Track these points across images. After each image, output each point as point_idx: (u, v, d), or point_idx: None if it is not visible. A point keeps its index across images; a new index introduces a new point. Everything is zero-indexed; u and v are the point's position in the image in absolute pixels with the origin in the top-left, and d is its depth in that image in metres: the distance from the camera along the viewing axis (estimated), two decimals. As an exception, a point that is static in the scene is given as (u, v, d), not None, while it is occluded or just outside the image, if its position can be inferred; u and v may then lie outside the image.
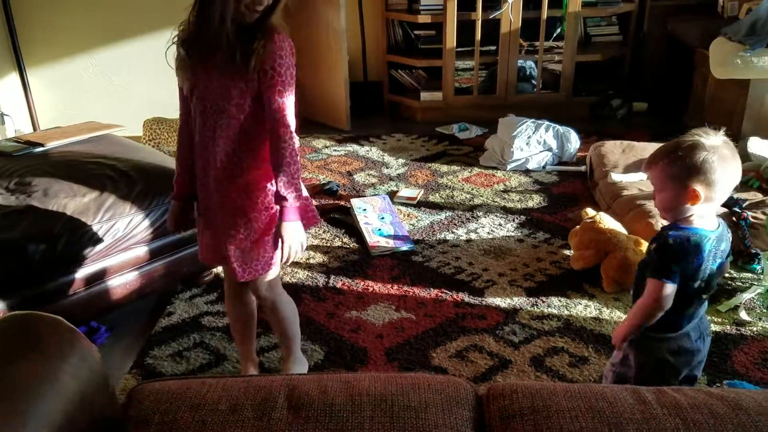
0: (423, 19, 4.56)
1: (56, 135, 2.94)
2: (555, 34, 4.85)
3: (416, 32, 4.85)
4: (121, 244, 2.35)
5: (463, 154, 4.13)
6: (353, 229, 3.17)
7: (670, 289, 1.51)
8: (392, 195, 3.50)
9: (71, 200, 2.31)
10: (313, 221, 1.97)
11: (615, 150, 3.45)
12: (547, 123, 3.89)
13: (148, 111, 4.08)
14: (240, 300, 2.07)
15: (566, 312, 2.49)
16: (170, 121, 3.92)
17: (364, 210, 3.27)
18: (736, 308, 2.45)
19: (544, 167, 3.84)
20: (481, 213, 3.32)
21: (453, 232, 3.13)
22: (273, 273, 1.89)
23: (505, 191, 3.57)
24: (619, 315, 2.44)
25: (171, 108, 3.56)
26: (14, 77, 4.23)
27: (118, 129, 3.09)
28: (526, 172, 3.80)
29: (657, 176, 1.53)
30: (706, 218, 1.52)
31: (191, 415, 1.16)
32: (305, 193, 1.98)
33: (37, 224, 2.20)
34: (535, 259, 2.87)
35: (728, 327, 2.36)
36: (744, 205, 2.82)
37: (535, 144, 3.82)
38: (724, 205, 2.78)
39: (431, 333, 2.39)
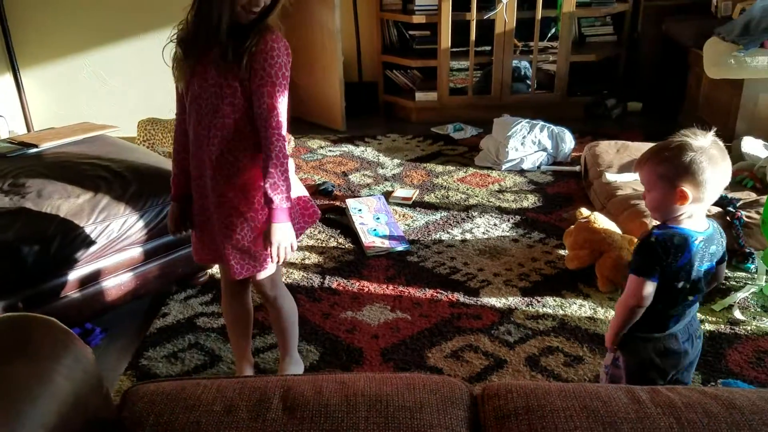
0: (418, 19, 4.56)
1: (50, 136, 2.93)
2: (549, 35, 4.86)
3: (411, 32, 4.86)
4: (115, 245, 2.34)
5: (458, 155, 4.14)
6: (348, 230, 3.17)
7: (650, 286, 1.52)
8: (387, 195, 3.51)
9: (65, 201, 2.30)
10: (312, 218, 1.97)
11: (609, 150, 3.46)
12: (541, 123, 3.90)
13: (142, 112, 4.07)
14: (237, 299, 2.07)
15: (561, 312, 2.49)
16: (165, 122, 3.92)
17: (360, 210, 3.27)
18: (730, 307, 2.46)
19: (538, 167, 3.84)
20: (476, 213, 3.32)
21: (448, 232, 3.13)
22: (272, 269, 1.89)
23: (500, 191, 3.57)
24: (613, 315, 2.44)
25: (165, 109, 3.57)
26: (8, 78, 4.22)
27: (112, 130, 3.09)
28: (521, 172, 3.81)
29: (646, 176, 1.55)
30: (695, 218, 1.53)
31: (186, 416, 1.16)
32: (305, 192, 1.98)
33: (30, 226, 2.19)
34: (530, 258, 2.87)
35: (722, 326, 2.37)
36: (738, 205, 2.83)
37: (529, 144, 3.82)
38: (718, 205, 2.81)
39: (426, 333, 2.39)
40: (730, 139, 3.50)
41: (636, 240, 2.61)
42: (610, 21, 4.91)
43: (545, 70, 4.83)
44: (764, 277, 2.57)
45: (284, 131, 1.70)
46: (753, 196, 2.97)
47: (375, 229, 3.10)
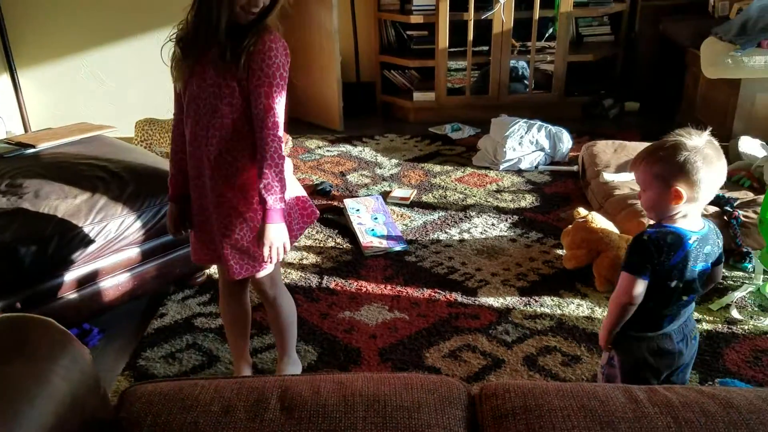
0: (415, 19, 4.56)
1: (47, 136, 2.93)
2: (547, 35, 4.86)
3: (408, 32, 4.86)
4: (112, 245, 2.34)
5: (455, 154, 4.14)
6: (346, 230, 3.17)
7: (640, 284, 1.52)
8: (385, 195, 3.51)
9: (62, 202, 2.30)
10: (311, 218, 1.97)
11: (607, 150, 3.46)
12: (539, 123, 3.90)
13: (139, 112, 4.06)
14: (235, 300, 2.07)
15: (559, 311, 2.49)
16: (162, 122, 3.91)
17: (357, 210, 3.27)
18: (727, 307, 2.46)
19: (536, 167, 3.85)
20: (473, 213, 3.32)
21: (446, 232, 3.13)
22: (271, 267, 1.89)
23: (497, 191, 3.57)
24: (606, 312, 2.45)
25: (163, 109, 3.57)
26: (5, 78, 4.22)
27: (109, 130, 3.08)
28: (519, 172, 3.81)
29: (641, 176, 1.55)
30: (690, 218, 1.53)
31: (184, 417, 1.16)
32: (303, 192, 1.98)
33: (28, 226, 2.19)
34: (528, 258, 2.88)
35: (720, 325, 2.37)
36: (735, 204, 2.83)
37: (527, 144, 3.83)
38: (715, 204, 2.82)
39: (424, 333, 2.39)
40: (727, 138, 3.51)
41: (633, 239, 2.62)
42: (608, 21, 4.91)
43: (543, 70, 4.83)
44: (761, 276, 2.58)
45: (281, 132, 1.70)
46: (750, 195, 2.97)
47: (373, 229, 3.10)
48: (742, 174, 3.12)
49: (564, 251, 2.83)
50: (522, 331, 2.38)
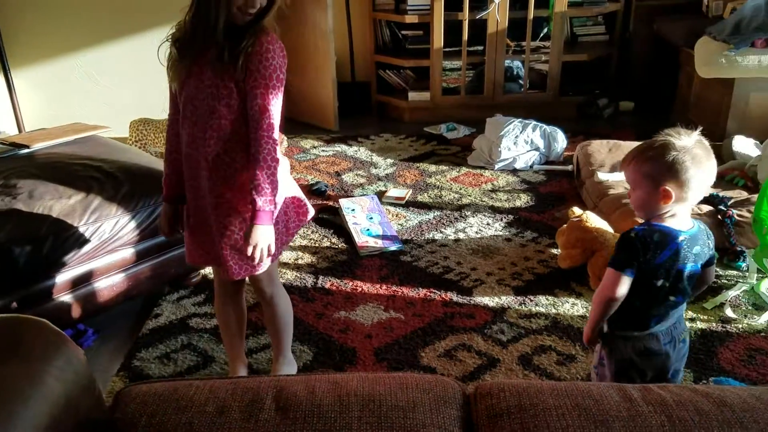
0: (410, 19, 4.57)
1: (41, 136, 2.92)
2: (542, 34, 4.87)
3: (403, 32, 4.86)
4: (107, 245, 2.33)
5: (451, 154, 4.14)
6: (342, 230, 3.17)
7: (624, 280, 1.53)
8: (381, 195, 3.51)
9: (57, 202, 2.30)
10: (306, 216, 1.96)
11: (601, 149, 3.47)
12: (534, 122, 3.91)
13: (134, 112, 4.06)
14: (232, 300, 2.06)
15: (554, 310, 2.50)
16: (157, 122, 3.91)
17: (353, 210, 3.27)
18: (721, 305, 2.47)
19: (531, 167, 3.85)
20: (469, 212, 3.32)
21: (441, 232, 3.14)
22: (267, 263, 1.89)
23: (492, 191, 3.58)
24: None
25: (157, 109, 3.56)
26: (-1, 78, 4.21)
27: (104, 130, 3.07)
28: (514, 171, 3.82)
29: (631, 175, 1.56)
30: (678, 217, 1.53)
31: (178, 417, 1.16)
32: (299, 191, 1.97)
33: (22, 226, 2.18)
34: (523, 258, 2.88)
35: (714, 324, 2.38)
36: (729, 203, 2.84)
37: (522, 143, 3.83)
38: (709, 203, 2.83)
39: (420, 332, 2.39)
40: (721, 138, 3.52)
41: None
42: (602, 21, 4.92)
43: (537, 69, 4.84)
44: (755, 275, 2.59)
45: (276, 134, 1.70)
46: (744, 194, 2.98)
47: (368, 229, 3.10)
48: (735, 173, 3.13)
49: (559, 250, 2.83)
50: (517, 331, 2.39)
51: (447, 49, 4.58)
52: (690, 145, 1.47)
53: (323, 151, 4.26)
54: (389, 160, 4.05)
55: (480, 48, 4.64)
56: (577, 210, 2.83)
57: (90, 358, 2.30)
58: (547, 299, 2.57)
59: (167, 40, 1.74)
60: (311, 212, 2.00)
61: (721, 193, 2.92)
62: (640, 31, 4.71)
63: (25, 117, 4.32)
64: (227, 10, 1.61)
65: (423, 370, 2.21)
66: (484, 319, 2.46)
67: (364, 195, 3.51)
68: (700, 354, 2.22)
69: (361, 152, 4.20)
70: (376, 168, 3.95)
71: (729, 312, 2.43)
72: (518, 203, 3.41)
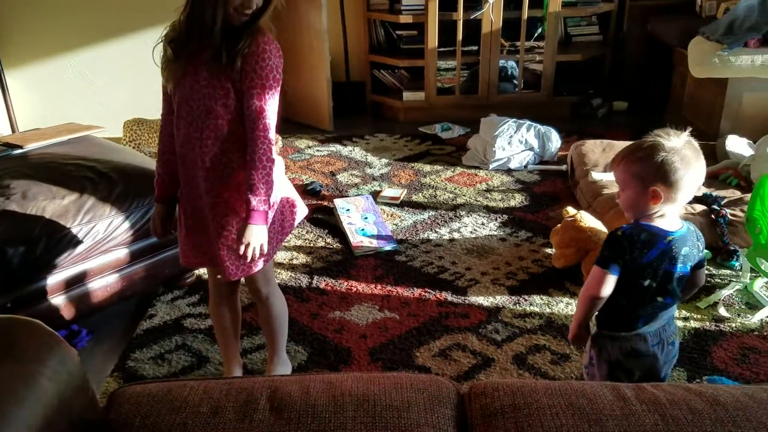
0: (405, 19, 4.57)
1: (35, 137, 2.91)
2: (536, 34, 4.88)
3: (398, 32, 4.86)
4: (101, 246, 2.33)
5: (445, 154, 4.15)
6: (336, 230, 3.17)
7: (609, 278, 1.53)
8: (375, 195, 3.51)
9: (50, 202, 2.29)
10: (297, 217, 1.96)
11: (595, 149, 3.48)
12: (528, 122, 3.91)
13: (128, 112, 4.05)
14: (227, 301, 2.06)
15: (548, 310, 2.50)
16: (151, 122, 3.90)
17: (348, 210, 3.27)
18: (715, 305, 2.48)
19: (525, 166, 3.86)
20: (463, 212, 3.33)
21: (436, 232, 3.14)
22: (261, 263, 1.89)
23: (487, 190, 3.58)
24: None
25: (151, 109, 3.55)
26: (-8, 78, 4.19)
27: (98, 130, 3.07)
28: (508, 171, 3.82)
29: (620, 176, 1.56)
30: (667, 217, 1.54)
31: (172, 418, 1.16)
32: (293, 191, 1.97)
33: (15, 227, 2.18)
34: (517, 257, 2.89)
35: (708, 323, 2.39)
36: (722, 203, 2.85)
37: (516, 143, 3.84)
38: (703, 203, 2.84)
39: (415, 332, 2.40)
40: (714, 137, 3.53)
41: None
42: (596, 21, 4.94)
43: (532, 69, 4.85)
44: (749, 274, 2.60)
45: (271, 134, 1.70)
46: (737, 194, 3.00)
47: (363, 229, 3.10)
48: (729, 173, 3.15)
49: (553, 250, 2.84)
50: (511, 330, 2.39)
51: (441, 49, 4.59)
52: (679, 146, 1.47)
53: (318, 151, 4.26)
54: (384, 160, 4.05)
55: (474, 48, 4.65)
56: (571, 210, 2.84)
57: (84, 359, 2.29)
58: (541, 299, 2.57)
59: (161, 40, 1.73)
60: (305, 212, 2.00)
61: (715, 193, 2.94)
62: (633, 31, 4.72)
63: (18, 117, 4.31)
64: (224, 11, 1.61)
65: (418, 370, 2.21)
66: (478, 318, 2.47)
67: (358, 195, 3.51)
68: (694, 353, 2.23)
69: (356, 152, 4.20)
70: (370, 168, 3.95)
71: (722, 311, 2.44)
72: (513, 203, 3.42)
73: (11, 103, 4.27)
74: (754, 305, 2.49)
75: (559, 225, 2.84)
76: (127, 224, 2.37)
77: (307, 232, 3.15)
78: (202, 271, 2.74)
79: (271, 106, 1.69)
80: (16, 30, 4.13)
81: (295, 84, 4.61)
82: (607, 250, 1.55)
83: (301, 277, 2.77)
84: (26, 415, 1.02)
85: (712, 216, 2.78)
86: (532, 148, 3.87)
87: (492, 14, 4.41)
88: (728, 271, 2.70)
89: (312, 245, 3.04)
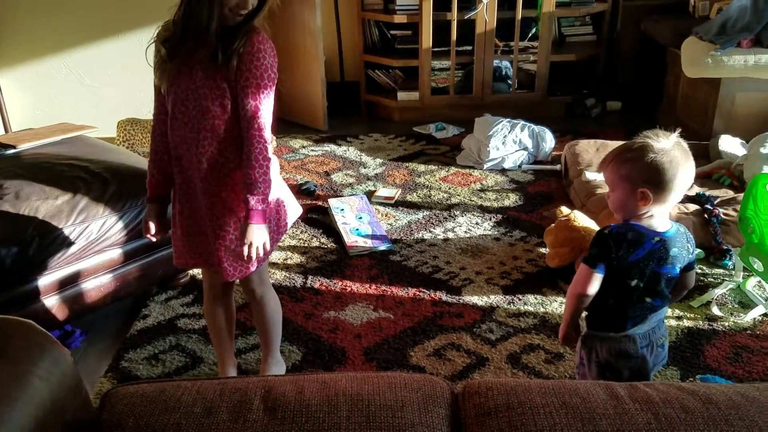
0: (399, 19, 4.57)
1: (28, 137, 2.90)
2: (530, 34, 4.89)
3: (392, 32, 4.86)
4: (94, 246, 2.32)
5: (440, 154, 4.15)
6: (331, 229, 3.17)
7: (595, 277, 1.54)
8: (370, 195, 3.51)
9: (43, 203, 2.28)
10: (292, 217, 1.96)
11: (589, 149, 3.49)
12: (522, 122, 3.92)
13: (121, 112, 4.04)
14: (222, 302, 2.06)
15: (542, 309, 2.51)
16: (144, 122, 3.89)
17: (342, 210, 3.26)
18: (708, 304, 2.49)
19: (519, 166, 3.86)
20: (458, 212, 3.33)
21: (430, 231, 3.14)
22: (257, 263, 1.89)
23: (481, 190, 3.59)
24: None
25: (145, 109, 3.55)
26: (-15, 78, 4.17)
27: (91, 130, 3.06)
28: (503, 171, 3.83)
29: (609, 177, 1.57)
30: (656, 218, 1.54)
31: (166, 419, 1.15)
32: (288, 191, 1.97)
33: (8, 228, 2.17)
34: (512, 257, 2.89)
35: (701, 322, 2.40)
36: (715, 202, 2.86)
37: (510, 143, 3.84)
38: (695, 202, 2.85)
39: (409, 332, 2.40)
40: (707, 137, 3.54)
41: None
42: (590, 21, 4.94)
43: (526, 69, 4.86)
44: (741, 273, 2.61)
45: (267, 133, 1.70)
46: (730, 193, 3.01)
47: (357, 229, 3.10)
48: (722, 172, 3.16)
49: (547, 250, 2.85)
50: (506, 330, 2.40)
51: (436, 49, 4.59)
52: (668, 147, 1.48)
53: (312, 150, 4.26)
54: (378, 160, 4.05)
55: (469, 48, 4.65)
56: (565, 209, 2.84)
57: (77, 360, 2.29)
58: (535, 298, 2.58)
59: (154, 40, 1.72)
60: (300, 212, 2.00)
61: (708, 192, 2.95)
62: (627, 31, 4.73)
63: (11, 117, 4.29)
64: (219, 11, 1.61)
65: (412, 370, 2.21)
66: (473, 318, 2.47)
67: (353, 195, 3.51)
68: (687, 352, 2.24)
69: (351, 152, 4.20)
70: (365, 168, 3.95)
71: (715, 310, 2.45)
72: (507, 203, 3.42)
73: (4, 102, 4.24)
74: (746, 304, 2.50)
75: (553, 225, 2.85)
76: (120, 224, 2.37)
77: (301, 232, 3.15)
78: (196, 272, 2.73)
79: (266, 106, 1.69)
80: (9, 30, 4.11)
81: (289, 84, 4.60)
82: (593, 248, 1.56)
83: (296, 277, 2.76)
84: (18, 416, 1.02)
85: (705, 215, 2.79)
86: (526, 148, 3.87)
87: (486, 14, 4.42)
88: (721, 271, 2.71)
89: (306, 245, 3.04)
